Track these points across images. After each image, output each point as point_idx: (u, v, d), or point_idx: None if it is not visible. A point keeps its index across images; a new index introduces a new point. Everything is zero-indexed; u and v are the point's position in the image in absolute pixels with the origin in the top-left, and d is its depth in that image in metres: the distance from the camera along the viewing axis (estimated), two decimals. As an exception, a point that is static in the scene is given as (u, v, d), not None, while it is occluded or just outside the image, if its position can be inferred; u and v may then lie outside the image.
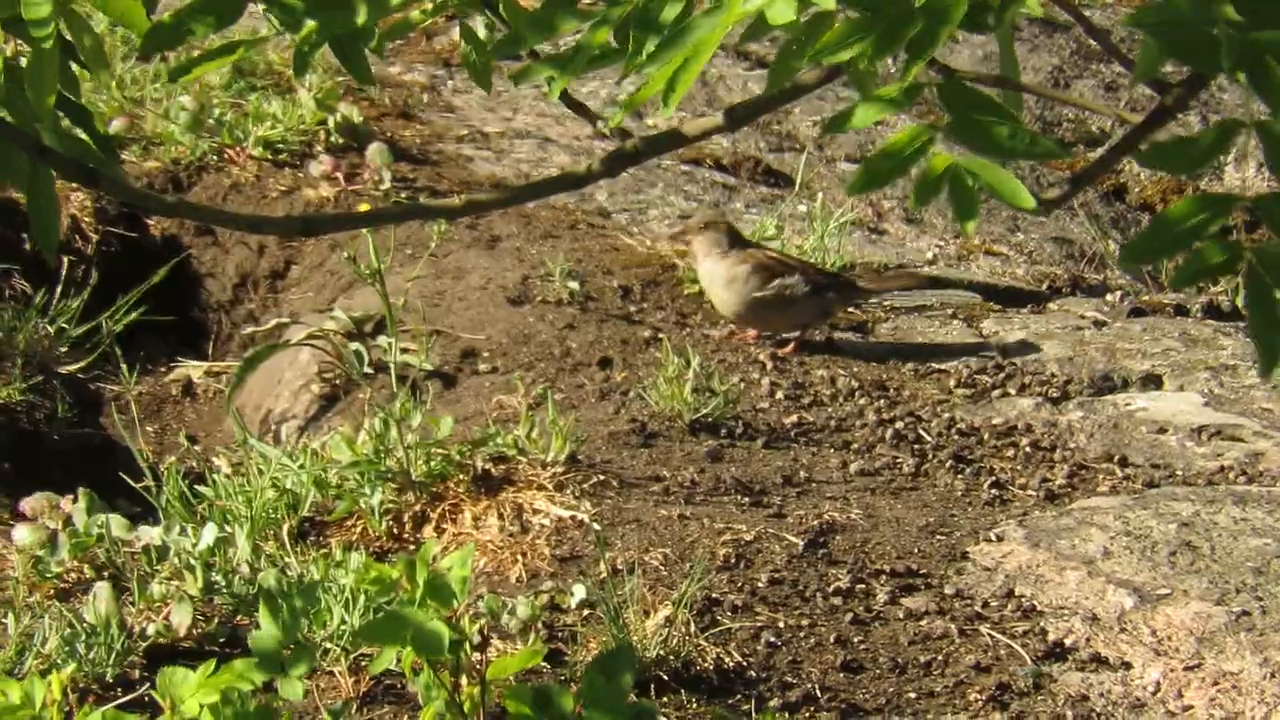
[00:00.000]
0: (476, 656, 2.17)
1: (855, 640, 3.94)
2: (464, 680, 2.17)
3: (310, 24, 1.84)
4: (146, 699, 3.63)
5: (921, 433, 4.98)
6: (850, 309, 5.82)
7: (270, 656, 1.92)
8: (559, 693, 1.99)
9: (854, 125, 1.86)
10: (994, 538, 4.34)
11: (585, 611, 3.93)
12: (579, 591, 3.95)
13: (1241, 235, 1.75)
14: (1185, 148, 1.77)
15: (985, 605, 4.08)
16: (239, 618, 3.92)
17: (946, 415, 5.10)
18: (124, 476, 4.54)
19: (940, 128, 1.80)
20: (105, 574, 4.08)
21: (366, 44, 1.92)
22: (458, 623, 2.13)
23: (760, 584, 4.08)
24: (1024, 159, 1.79)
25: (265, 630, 1.93)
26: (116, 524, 4.15)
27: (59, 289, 5.83)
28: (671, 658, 3.76)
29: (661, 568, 4.09)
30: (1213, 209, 1.71)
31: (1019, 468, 4.84)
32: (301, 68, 1.85)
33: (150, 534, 4.14)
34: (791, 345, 5.46)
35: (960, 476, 4.75)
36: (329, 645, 3.74)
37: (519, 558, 4.16)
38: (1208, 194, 1.74)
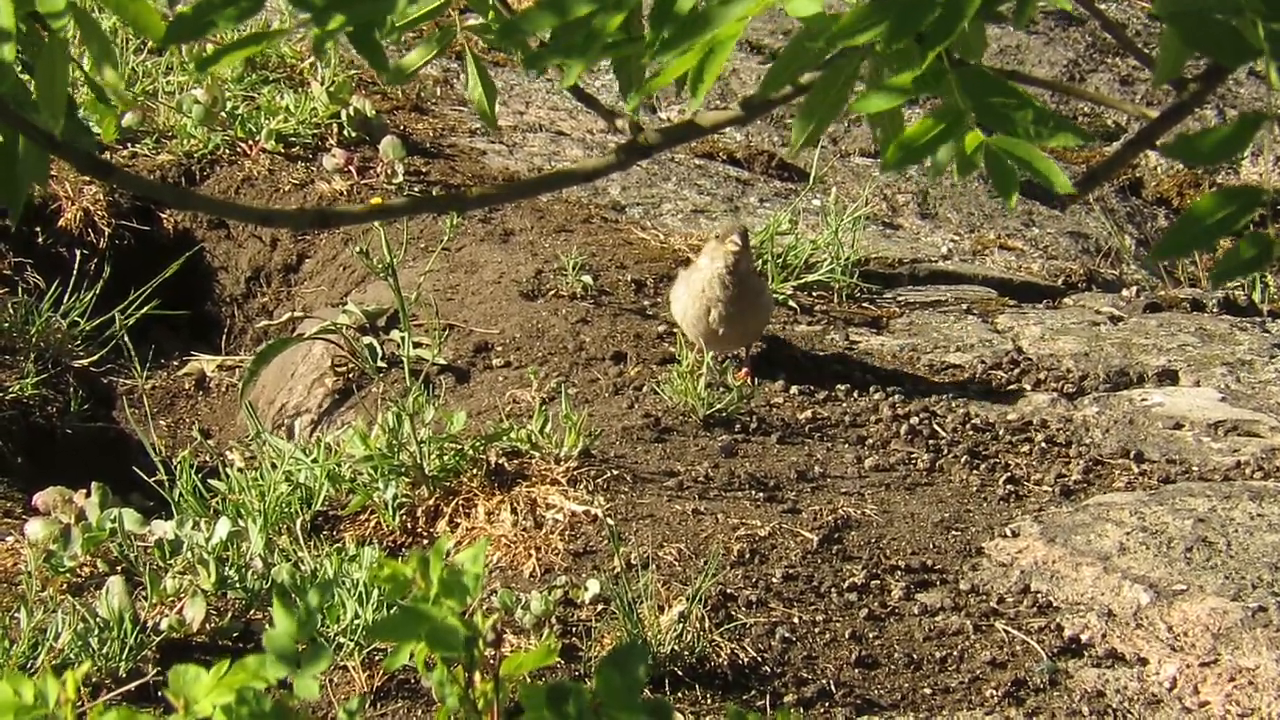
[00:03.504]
0: (490, 652, 2.16)
1: (870, 636, 3.93)
2: (478, 676, 2.15)
3: (338, 18, 1.83)
4: (160, 694, 3.63)
5: (936, 428, 4.97)
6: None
7: (286, 654, 1.91)
8: (575, 690, 1.98)
9: (868, 110, 1.85)
10: (1009, 533, 4.33)
11: (599, 607, 3.92)
12: (593, 586, 3.94)
13: (1271, 228, 1.73)
14: (1206, 140, 1.75)
15: (1001, 601, 4.07)
16: (252, 612, 3.92)
17: (961, 410, 5.08)
18: (137, 471, 4.54)
19: (968, 110, 1.79)
20: (118, 569, 4.08)
21: (382, 30, 1.91)
22: (472, 619, 2.11)
23: (775, 579, 4.07)
24: (1048, 144, 1.78)
25: (281, 627, 1.92)
26: (129, 518, 4.14)
27: (71, 283, 5.82)
28: (686, 653, 3.75)
29: (676, 563, 4.08)
30: (1239, 202, 1.70)
31: (1034, 463, 4.82)
32: (320, 51, 1.84)
33: (163, 528, 4.13)
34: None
35: (975, 472, 4.73)
36: (343, 640, 3.73)
37: (532, 553, 4.15)
38: (1233, 188, 1.73)
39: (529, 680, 2.95)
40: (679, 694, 3.70)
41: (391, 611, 3.48)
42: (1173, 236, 1.75)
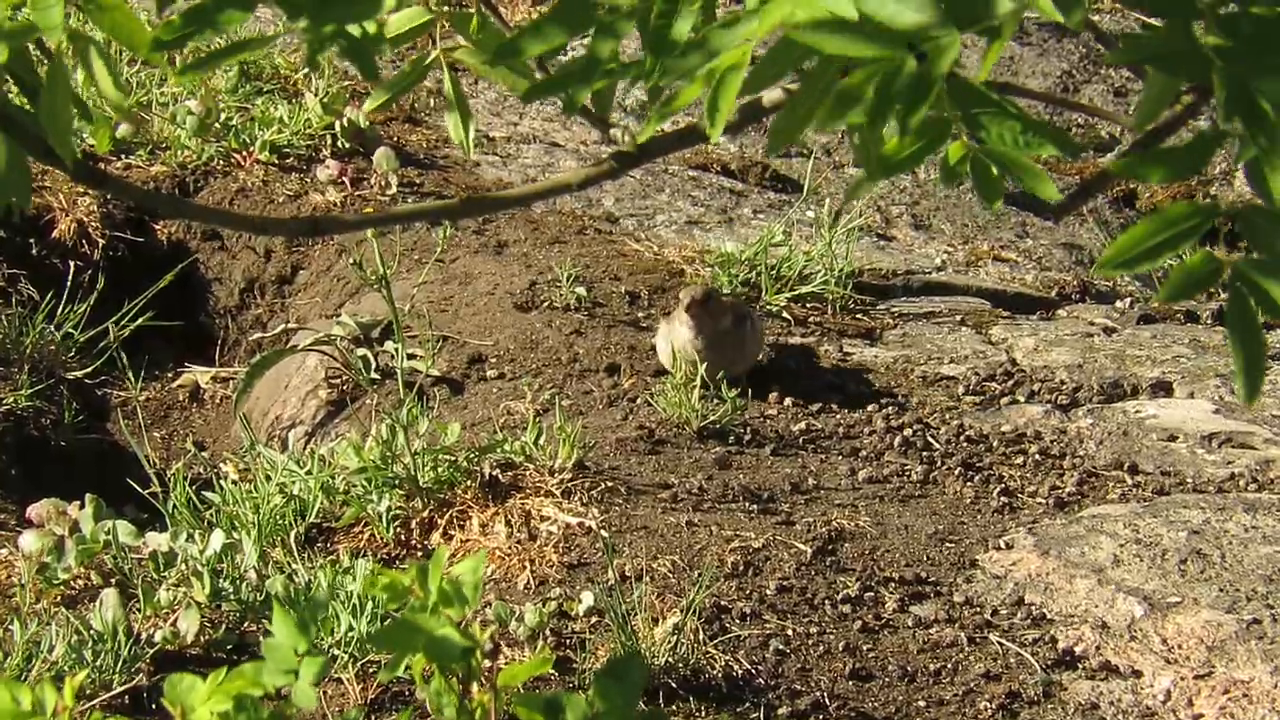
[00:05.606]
0: (487, 664, 2.16)
1: (864, 648, 3.93)
2: (475, 687, 2.15)
3: (331, 24, 1.83)
4: (153, 706, 3.62)
5: (930, 440, 4.97)
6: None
7: (284, 662, 1.91)
8: (570, 700, 1.98)
9: (855, 121, 1.85)
10: (1003, 545, 4.33)
11: (593, 619, 3.92)
12: (587, 599, 3.94)
13: (1220, 248, 1.74)
14: (1163, 157, 1.75)
15: (995, 613, 4.07)
16: (246, 624, 3.91)
17: (955, 422, 5.08)
18: (131, 483, 4.53)
19: (955, 119, 1.79)
20: (112, 580, 4.07)
21: (376, 45, 1.90)
22: (469, 629, 2.11)
23: (769, 591, 4.07)
24: (1036, 154, 1.79)
25: (280, 635, 1.92)
26: (123, 530, 4.14)
27: (65, 294, 5.82)
28: (680, 665, 3.75)
29: (670, 575, 4.08)
30: (1191, 219, 1.70)
31: (1028, 475, 4.82)
32: (313, 63, 1.84)
33: (157, 540, 4.12)
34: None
35: (969, 484, 4.73)
36: (337, 652, 3.73)
37: (527, 565, 4.15)
38: (1186, 204, 1.73)
39: (524, 691, 2.95)
40: (673, 706, 3.70)
41: (388, 622, 3.48)
42: (1120, 250, 1.74)
